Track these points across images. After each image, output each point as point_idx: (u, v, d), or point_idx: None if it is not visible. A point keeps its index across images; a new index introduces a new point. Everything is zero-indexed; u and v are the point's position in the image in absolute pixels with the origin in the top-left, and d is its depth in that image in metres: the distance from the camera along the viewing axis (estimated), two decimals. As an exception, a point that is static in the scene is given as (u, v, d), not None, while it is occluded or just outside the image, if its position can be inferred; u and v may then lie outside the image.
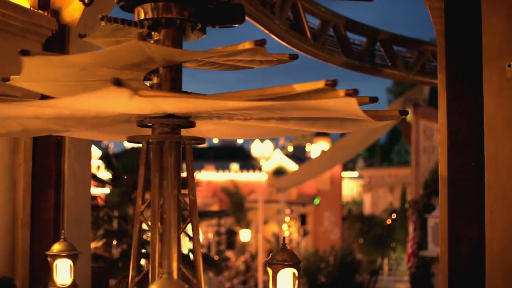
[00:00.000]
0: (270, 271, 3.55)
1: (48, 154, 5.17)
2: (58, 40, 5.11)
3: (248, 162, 37.40)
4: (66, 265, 3.78)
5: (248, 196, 32.24)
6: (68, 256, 3.77)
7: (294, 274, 3.48)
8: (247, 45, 3.11)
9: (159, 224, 3.49)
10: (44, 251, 5.07)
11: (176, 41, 3.61)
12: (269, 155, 38.98)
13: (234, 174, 35.66)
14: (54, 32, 5.07)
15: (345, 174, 38.39)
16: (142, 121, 3.49)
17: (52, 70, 3.16)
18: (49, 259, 3.69)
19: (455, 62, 4.20)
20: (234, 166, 37.22)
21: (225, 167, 35.94)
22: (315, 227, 32.99)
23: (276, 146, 39.35)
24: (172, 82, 3.43)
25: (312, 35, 7.64)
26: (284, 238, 3.67)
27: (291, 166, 35.27)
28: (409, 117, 20.39)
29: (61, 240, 3.73)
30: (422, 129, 19.83)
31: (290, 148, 40.27)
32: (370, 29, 8.19)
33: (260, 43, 3.05)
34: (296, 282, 3.52)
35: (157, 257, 3.46)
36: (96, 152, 21.67)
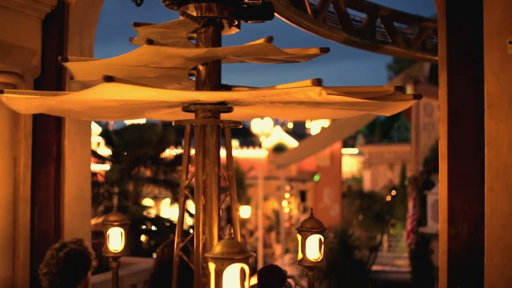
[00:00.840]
0: (299, 237, 4.18)
1: (48, 131, 5.17)
2: (57, 17, 5.09)
3: (248, 139, 37.40)
4: (118, 233, 4.32)
5: (248, 172, 32.26)
6: (120, 225, 4.27)
7: (320, 239, 4.11)
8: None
9: (202, 197, 4.11)
10: (45, 226, 5.10)
11: (217, 35, 4.24)
12: (269, 131, 38.96)
13: (234, 151, 35.68)
14: (53, 8, 5.05)
15: (345, 150, 38.42)
16: (187, 107, 4.13)
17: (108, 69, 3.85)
18: (103, 228, 4.21)
19: (456, 39, 4.18)
20: (234, 142, 37.23)
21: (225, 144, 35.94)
22: (315, 204, 33.07)
23: (276, 123, 39.28)
24: (211, 76, 4.10)
25: (312, 11, 7.61)
26: (311, 208, 4.29)
27: (291, 142, 35.28)
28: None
29: (114, 211, 4.27)
30: (422, 106, 19.81)
31: (290, 125, 40.22)
32: (371, 6, 8.15)
33: (269, 39, 3.60)
34: (322, 246, 4.15)
35: (201, 225, 4.11)
36: (96, 128, 21.68)
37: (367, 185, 33.43)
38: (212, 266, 2.90)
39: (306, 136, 33.69)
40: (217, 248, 2.90)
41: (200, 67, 4.13)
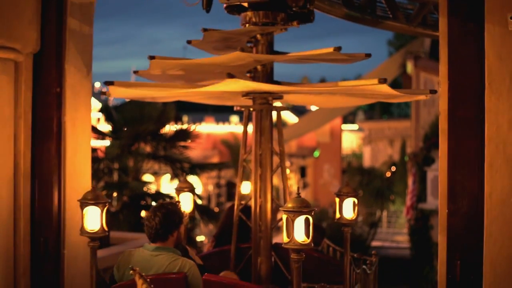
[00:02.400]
0: (337, 199, 5.29)
1: (48, 106, 5.17)
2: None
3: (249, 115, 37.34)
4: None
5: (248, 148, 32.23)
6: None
7: (354, 202, 5.24)
8: (327, 49, 4.76)
9: (259, 168, 5.52)
10: (45, 202, 5.11)
11: (271, 38, 5.52)
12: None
13: (234, 127, 35.65)
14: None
15: (345, 126, 38.36)
16: (246, 95, 5.51)
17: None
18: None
19: (457, 14, 4.16)
20: (234, 118, 37.15)
21: (225, 120, 35.91)
22: (314, 180, 33.09)
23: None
24: (266, 74, 5.49)
25: (312, -14, 7.53)
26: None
27: (291, 118, 35.22)
28: (410, 69, 20.28)
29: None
30: (422, 82, 19.73)
31: (290, 101, 40.08)
32: (371, -19, 8.08)
33: (338, 49, 4.73)
34: (356, 208, 5.25)
35: (258, 190, 5.54)
36: (96, 104, 21.64)
37: (367, 161, 33.43)
38: (285, 217, 4.10)
39: (306, 112, 33.61)
40: (289, 204, 4.12)
41: (259, 67, 5.50)
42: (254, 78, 5.52)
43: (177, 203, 5.02)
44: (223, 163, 22.78)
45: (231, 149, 30.86)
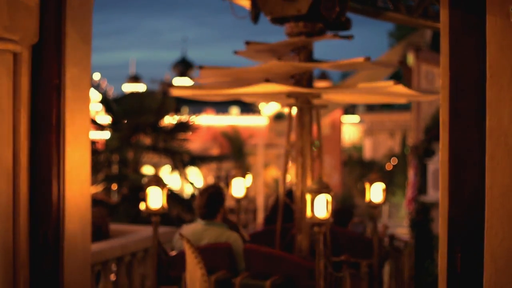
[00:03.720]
0: (367, 185, 6.55)
1: (48, 99, 5.14)
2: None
3: (249, 107, 37.36)
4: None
5: (248, 140, 32.29)
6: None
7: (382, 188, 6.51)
8: (359, 59, 5.59)
9: (301, 157, 6.47)
10: (44, 194, 5.10)
11: (311, 46, 6.42)
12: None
13: (234, 118, 35.66)
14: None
15: (345, 118, 38.32)
16: (290, 95, 6.44)
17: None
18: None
19: (459, 5, 4.13)
20: (235, 110, 37.11)
21: (225, 111, 35.89)
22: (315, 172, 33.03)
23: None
24: (304, 80, 6.42)
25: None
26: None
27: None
28: (411, 61, 20.22)
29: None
30: (423, 74, 19.67)
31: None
32: (373, -28, 8.05)
33: (367, 59, 5.52)
34: (384, 193, 6.58)
35: (300, 177, 6.53)
36: (95, 96, 21.61)
37: (367, 154, 33.43)
38: (308, 196, 5.14)
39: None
40: (312, 186, 5.23)
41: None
42: (297, 81, 6.46)
43: (218, 186, 6.25)
44: (223, 155, 22.77)
45: (231, 141, 30.88)
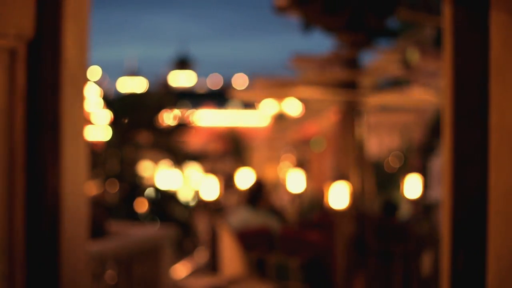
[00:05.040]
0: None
1: (44, 97, 5.09)
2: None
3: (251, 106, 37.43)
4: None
5: (250, 139, 32.38)
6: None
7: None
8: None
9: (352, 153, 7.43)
10: (41, 193, 5.07)
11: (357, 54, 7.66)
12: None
13: (234, 112, 35.73)
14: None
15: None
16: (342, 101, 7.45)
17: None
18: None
19: (463, 1, 4.10)
20: (232, 103, 37.11)
21: (223, 105, 35.95)
22: (318, 169, 33.12)
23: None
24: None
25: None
26: None
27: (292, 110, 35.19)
28: (416, 59, 20.03)
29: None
30: (430, 73, 19.52)
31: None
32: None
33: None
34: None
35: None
36: (95, 91, 21.54)
37: (372, 153, 33.45)
38: (330, 188, 6.46)
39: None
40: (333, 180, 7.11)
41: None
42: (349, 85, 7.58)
43: (261, 181, 7.78)
44: (224, 153, 22.81)
45: (232, 140, 30.94)
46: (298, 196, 9.20)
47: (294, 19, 8.08)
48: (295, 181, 9.51)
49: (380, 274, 6.59)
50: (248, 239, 6.90)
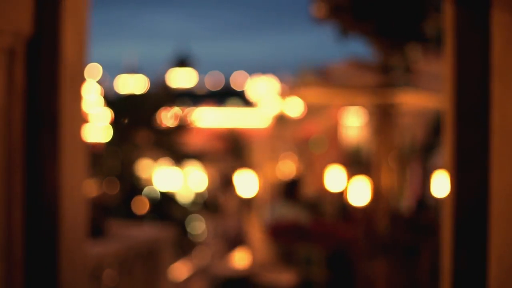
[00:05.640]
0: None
1: (43, 97, 5.07)
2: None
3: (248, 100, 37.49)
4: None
5: (250, 139, 32.42)
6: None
7: None
8: None
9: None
10: (40, 194, 5.05)
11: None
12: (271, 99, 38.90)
13: (234, 110, 35.80)
14: None
15: (346, 118, 38.30)
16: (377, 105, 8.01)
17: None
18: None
19: (464, 1, 4.08)
20: (232, 100, 37.11)
21: (223, 102, 35.98)
22: (320, 169, 33.11)
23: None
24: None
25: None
26: None
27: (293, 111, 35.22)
28: (416, 60, 19.99)
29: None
30: (432, 75, 19.50)
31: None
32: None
33: None
34: None
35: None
36: (95, 89, 21.48)
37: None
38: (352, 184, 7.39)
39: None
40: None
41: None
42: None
43: (296, 178, 7.58)
44: (226, 153, 22.82)
45: (233, 140, 30.94)
46: (338, 194, 9.83)
47: (331, 27, 8.83)
48: (335, 179, 10.17)
49: (404, 268, 7.02)
50: (280, 232, 7.84)
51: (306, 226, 8.57)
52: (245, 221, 9.13)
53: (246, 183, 10.31)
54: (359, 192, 8.35)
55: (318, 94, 10.07)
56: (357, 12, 7.48)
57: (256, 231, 7.81)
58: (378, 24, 7.05)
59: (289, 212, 8.78)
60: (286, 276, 7.84)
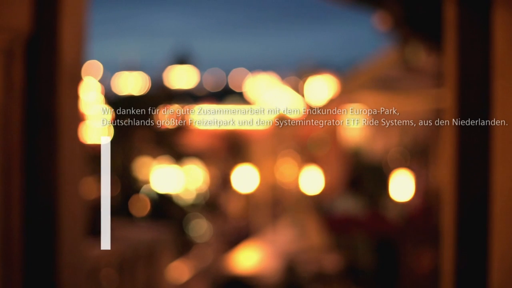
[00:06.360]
0: None
1: (42, 97, 5.05)
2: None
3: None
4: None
5: (251, 141, 32.46)
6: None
7: None
8: None
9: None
10: (38, 193, 5.04)
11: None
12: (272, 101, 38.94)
13: (233, 107, 35.77)
14: None
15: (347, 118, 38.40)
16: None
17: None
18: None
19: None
20: (231, 98, 37.06)
21: (221, 99, 35.99)
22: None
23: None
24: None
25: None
26: None
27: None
28: (421, 58, 19.85)
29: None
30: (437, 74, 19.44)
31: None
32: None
33: None
34: None
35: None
36: (95, 87, 21.46)
37: (376, 154, 33.52)
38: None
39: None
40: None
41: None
42: None
43: (359, 170, 9.25)
44: (227, 154, 22.81)
45: (234, 141, 30.94)
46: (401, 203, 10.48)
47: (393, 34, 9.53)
48: (402, 184, 10.86)
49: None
50: (339, 224, 8.64)
51: (363, 218, 9.63)
52: (304, 215, 10.51)
53: (312, 181, 11.40)
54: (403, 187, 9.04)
55: (380, 100, 10.85)
56: (415, 23, 8.14)
57: (314, 223, 9.01)
58: (433, 33, 7.52)
59: (354, 204, 9.83)
60: (333, 260, 9.41)
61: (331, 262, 9.28)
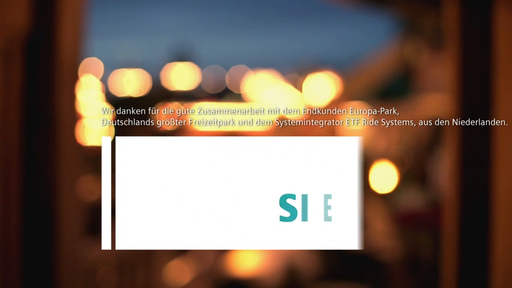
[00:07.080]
0: None
1: (40, 96, 5.04)
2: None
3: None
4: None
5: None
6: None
7: None
8: None
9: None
10: (37, 193, 5.03)
11: None
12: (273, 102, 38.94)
13: (234, 105, 35.81)
14: None
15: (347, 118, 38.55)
16: None
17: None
18: None
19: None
20: (229, 96, 37.10)
21: (220, 98, 36.06)
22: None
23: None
24: None
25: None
26: None
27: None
28: (422, 59, 19.77)
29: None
30: (437, 77, 19.43)
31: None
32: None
33: None
34: None
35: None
36: (96, 85, 21.44)
37: (378, 153, 33.65)
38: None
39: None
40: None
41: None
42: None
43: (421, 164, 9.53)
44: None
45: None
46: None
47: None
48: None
49: None
50: (407, 219, 8.95)
51: (428, 212, 10.07)
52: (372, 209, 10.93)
53: (384, 178, 11.95)
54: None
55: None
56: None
57: (380, 218, 9.53)
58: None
59: (419, 198, 10.29)
60: (393, 252, 9.12)
61: (391, 250, 9.69)
